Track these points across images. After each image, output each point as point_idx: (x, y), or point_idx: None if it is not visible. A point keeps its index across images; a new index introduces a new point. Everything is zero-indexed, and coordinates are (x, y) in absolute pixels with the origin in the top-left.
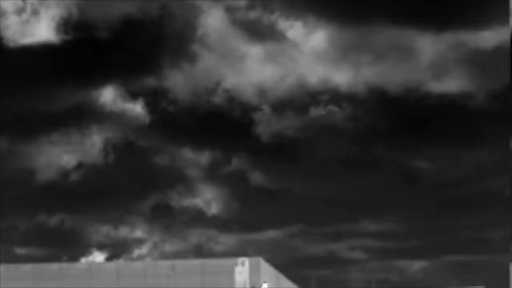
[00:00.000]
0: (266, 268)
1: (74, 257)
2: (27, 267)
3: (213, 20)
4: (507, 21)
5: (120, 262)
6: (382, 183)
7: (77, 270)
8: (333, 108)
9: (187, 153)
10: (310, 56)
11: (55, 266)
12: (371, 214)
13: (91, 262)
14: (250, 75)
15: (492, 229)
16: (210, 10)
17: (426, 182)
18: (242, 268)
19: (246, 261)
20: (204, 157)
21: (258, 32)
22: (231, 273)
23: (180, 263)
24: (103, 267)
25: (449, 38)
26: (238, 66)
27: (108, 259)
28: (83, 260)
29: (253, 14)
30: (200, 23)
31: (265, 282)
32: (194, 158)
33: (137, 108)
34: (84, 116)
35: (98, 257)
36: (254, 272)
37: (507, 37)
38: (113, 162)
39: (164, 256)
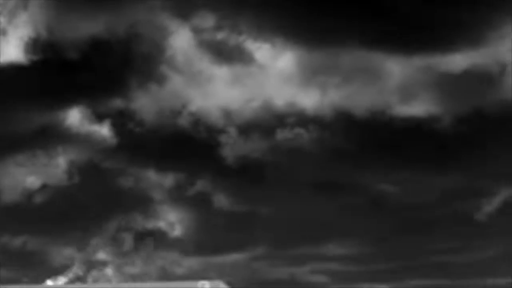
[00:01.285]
0: None
1: (36, 279)
2: None
3: (180, 41)
4: (477, 44)
5: (79, 286)
6: (348, 206)
7: None
8: (299, 130)
9: (152, 175)
10: (277, 78)
11: None
12: (336, 237)
13: (50, 285)
14: (217, 97)
15: (458, 254)
16: (178, 30)
17: (392, 205)
18: None
19: (207, 284)
20: (168, 179)
21: (225, 53)
22: None
23: (141, 286)
24: None
25: (418, 61)
26: (204, 88)
27: (71, 281)
28: (47, 282)
29: (220, 35)
30: (168, 44)
31: None
32: (158, 180)
33: (104, 130)
34: (50, 137)
35: (60, 279)
36: None
37: (477, 60)
38: (77, 183)
39: (127, 278)
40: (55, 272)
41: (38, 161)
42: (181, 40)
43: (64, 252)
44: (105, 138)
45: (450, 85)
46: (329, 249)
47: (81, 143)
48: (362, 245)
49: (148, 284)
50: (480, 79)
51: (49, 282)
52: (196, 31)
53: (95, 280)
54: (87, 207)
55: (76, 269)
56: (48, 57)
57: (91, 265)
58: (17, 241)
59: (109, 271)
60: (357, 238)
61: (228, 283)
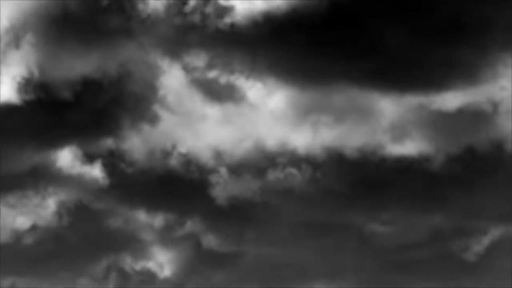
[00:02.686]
0: None
1: None
2: None
3: (171, 80)
4: (470, 82)
5: None
6: (338, 246)
7: None
8: (291, 170)
9: (142, 216)
10: (268, 117)
11: None
12: (324, 278)
13: None
14: (208, 137)
15: None
16: (170, 69)
17: (382, 245)
18: None
19: None
20: (158, 220)
21: (216, 92)
22: None
23: None
24: None
25: (410, 99)
26: (195, 128)
27: None
28: None
29: (212, 74)
30: (160, 83)
31: None
32: (148, 220)
33: (95, 170)
34: (41, 178)
35: None
36: None
37: (470, 98)
38: (67, 224)
39: None
40: None
41: (28, 201)
42: (172, 79)
43: None
44: (96, 179)
45: (442, 123)
46: None
47: (72, 184)
48: (351, 284)
49: None
50: (473, 118)
51: None
52: (188, 69)
53: None
54: (76, 248)
55: None
56: (41, 96)
57: None
58: (5, 282)
59: None
60: (345, 278)
61: None
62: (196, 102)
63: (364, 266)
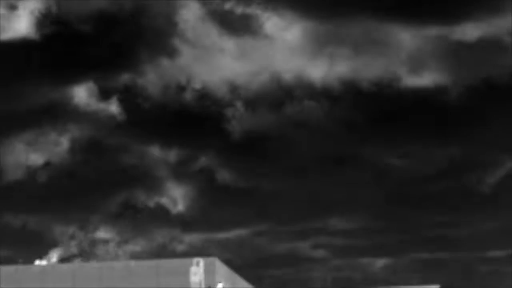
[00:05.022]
0: (221, 268)
1: (37, 258)
2: None
3: (189, 14)
4: (491, 13)
5: (76, 264)
6: (354, 180)
7: (32, 272)
8: (308, 104)
9: (156, 151)
10: (285, 50)
11: (10, 268)
12: (340, 211)
13: (47, 264)
14: (224, 70)
15: (459, 227)
16: (187, 3)
17: (397, 178)
18: (197, 269)
19: (201, 261)
20: (172, 155)
21: (233, 26)
22: (186, 274)
23: (135, 264)
24: (58, 268)
25: (431, 31)
26: (212, 61)
27: (71, 259)
28: (40, 260)
29: (228, 7)
30: (178, 16)
31: (220, 282)
32: (162, 156)
33: (111, 106)
34: (58, 114)
35: (55, 257)
36: (209, 272)
37: (491, 30)
38: (81, 161)
39: (128, 256)
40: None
41: (43, 139)
42: (189, 13)
43: (65, 230)
44: (113, 115)
45: (461, 55)
46: (332, 223)
47: (88, 121)
48: (365, 219)
49: (139, 263)
50: (492, 49)
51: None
52: (205, 3)
53: (95, 258)
54: (90, 185)
55: (74, 247)
56: (58, 31)
57: (92, 243)
58: (17, 221)
59: (109, 248)
60: (360, 212)
61: (224, 260)
62: (213, 36)
63: (378, 200)
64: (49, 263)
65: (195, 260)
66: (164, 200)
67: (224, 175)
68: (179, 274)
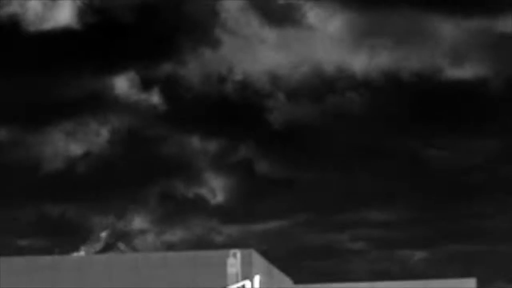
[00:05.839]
0: (258, 260)
1: (75, 248)
2: (19, 260)
3: (230, 4)
4: None
5: (112, 254)
6: (393, 171)
7: (69, 262)
8: (350, 95)
9: (195, 142)
10: (327, 41)
11: (47, 258)
12: (379, 203)
13: (83, 255)
14: (265, 61)
15: (497, 219)
16: None
17: (437, 170)
18: (234, 260)
19: (238, 253)
20: (212, 146)
21: (275, 16)
22: (223, 265)
23: (172, 255)
24: (95, 259)
25: (475, 22)
26: (253, 52)
27: (108, 250)
28: (84, 251)
29: None
30: (220, 6)
31: (257, 274)
32: (202, 146)
33: (152, 97)
34: (97, 104)
35: (94, 248)
36: (246, 264)
37: None
38: (120, 151)
39: (165, 247)
40: (89, 241)
41: (83, 128)
42: (231, 2)
43: (103, 221)
44: (154, 105)
45: (504, 47)
46: (371, 215)
47: (129, 111)
48: (404, 211)
49: (176, 254)
50: None
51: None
52: None
53: (133, 249)
54: (129, 175)
55: (111, 238)
56: (100, 21)
57: (130, 233)
58: (56, 210)
59: (147, 239)
60: (399, 204)
61: (261, 251)
62: (254, 26)
63: (418, 192)
64: (86, 253)
65: (232, 251)
66: (203, 191)
67: (263, 166)
68: (216, 265)
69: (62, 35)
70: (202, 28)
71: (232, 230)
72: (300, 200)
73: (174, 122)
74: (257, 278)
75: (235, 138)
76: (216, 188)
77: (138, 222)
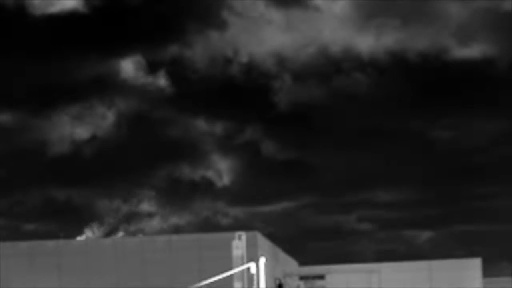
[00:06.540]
0: (262, 242)
1: (80, 232)
2: (23, 244)
3: None
4: None
5: (117, 238)
6: (401, 152)
7: (74, 246)
8: (356, 76)
9: (201, 124)
10: (333, 22)
11: (51, 243)
12: (386, 184)
13: (89, 238)
14: (271, 42)
15: (502, 199)
16: None
17: (444, 151)
18: (239, 243)
19: (243, 235)
20: (218, 128)
21: None
22: (228, 248)
23: (177, 238)
24: (100, 242)
25: (479, 3)
26: (259, 33)
27: (115, 233)
28: (90, 234)
29: None
30: None
31: (262, 256)
32: (208, 129)
33: (159, 79)
34: (103, 87)
35: (99, 230)
36: (251, 246)
37: None
38: (126, 135)
39: (172, 229)
40: (95, 224)
41: (88, 112)
42: None
43: (109, 204)
44: (161, 88)
45: (510, 26)
46: (377, 196)
47: (135, 94)
48: (410, 192)
49: (181, 236)
50: None
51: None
52: None
53: (139, 232)
54: (135, 158)
55: (118, 221)
56: (107, 4)
57: (136, 216)
58: (61, 194)
59: (154, 222)
60: (407, 185)
61: (268, 233)
62: (260, 7)
63: (425, 173)
64: (92, 237)
65: (237, 234)
66: (210, 173)
67: (270, 148)
68: (221, 248)
69: (68, 19)
70: (209, 10)
71: (238, 212)
72: (307, 182)
73: (180, 105)
74: (262, 260)
75: (241, 120)
76: (222, 170)
77: (144, 205)
